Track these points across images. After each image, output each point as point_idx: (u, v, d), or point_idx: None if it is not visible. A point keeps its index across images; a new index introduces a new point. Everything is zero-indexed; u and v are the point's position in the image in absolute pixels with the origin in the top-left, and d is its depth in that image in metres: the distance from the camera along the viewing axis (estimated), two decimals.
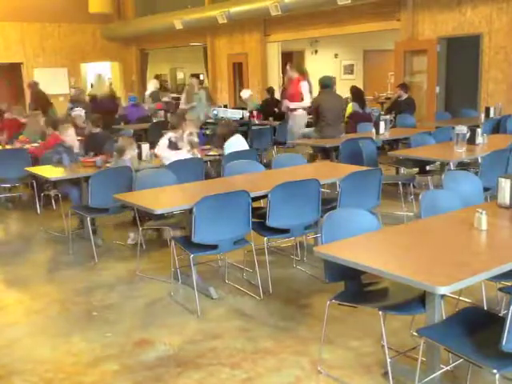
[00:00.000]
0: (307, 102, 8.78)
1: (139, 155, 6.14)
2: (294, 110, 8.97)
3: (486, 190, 4.59)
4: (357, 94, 9.47)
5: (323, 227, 3.21)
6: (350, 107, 9.35)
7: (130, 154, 5.82)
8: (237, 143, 6.49)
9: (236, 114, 8.98)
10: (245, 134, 9.08)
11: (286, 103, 9.06)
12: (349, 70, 17.10)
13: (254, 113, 10.17)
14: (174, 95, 15.40)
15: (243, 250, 4.87)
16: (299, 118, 8.97)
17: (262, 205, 5.33)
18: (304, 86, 8.95)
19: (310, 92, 9.06)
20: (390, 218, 5.95)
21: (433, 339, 2.69)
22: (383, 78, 15.21)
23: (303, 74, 9.13)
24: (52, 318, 4.20)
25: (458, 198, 3.78)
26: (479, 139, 6.30)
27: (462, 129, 6.01)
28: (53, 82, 16.46)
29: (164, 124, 10.16)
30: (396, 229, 3.51)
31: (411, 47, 10.83)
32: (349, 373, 3.26)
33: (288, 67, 9.55)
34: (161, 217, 4.99)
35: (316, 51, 17.09)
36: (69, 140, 6.44)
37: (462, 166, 6.39)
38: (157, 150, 6.31)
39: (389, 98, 13.36)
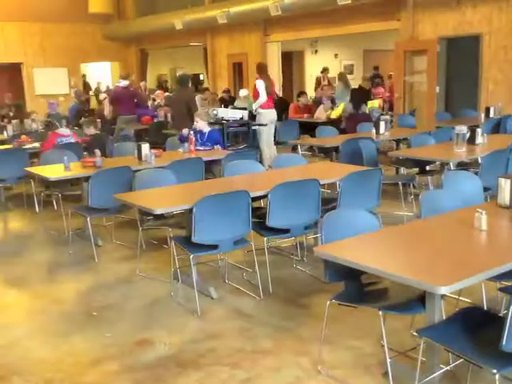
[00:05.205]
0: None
1: (139, 155, 6.14)
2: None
3: (485, 190, 4.58)
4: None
5: (323, 227, 3.21)
6: (342, 105, 9.39)
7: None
8: None
9: (236, 114, 8.95)
10: (245, 134, 9.09)
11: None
12: (349, 69, 17.09)
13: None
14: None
15: (243, 250, 4.87)
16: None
17: (262, 205, 5.33)
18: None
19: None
20: (390, 217, 5.94)
21: (433, 339, 2.69)
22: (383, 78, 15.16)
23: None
24: (52, 317, 4.20)
25: (458, 198, 3.78)
26: (479, 139, 6.30)
27: (462, 129, 6.01)
28: (53, 81, 16.48)
29: (164, 124, 10.19)
30: (396, 229, 3.51)
31: (411, 47, 10.83)
32: (349, 373, 3.26)
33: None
34: (161, 217, 4.99)
35: (316, 51, 17.09)
36: None
37: (462, 166, 6.38)
38: None
39: None
